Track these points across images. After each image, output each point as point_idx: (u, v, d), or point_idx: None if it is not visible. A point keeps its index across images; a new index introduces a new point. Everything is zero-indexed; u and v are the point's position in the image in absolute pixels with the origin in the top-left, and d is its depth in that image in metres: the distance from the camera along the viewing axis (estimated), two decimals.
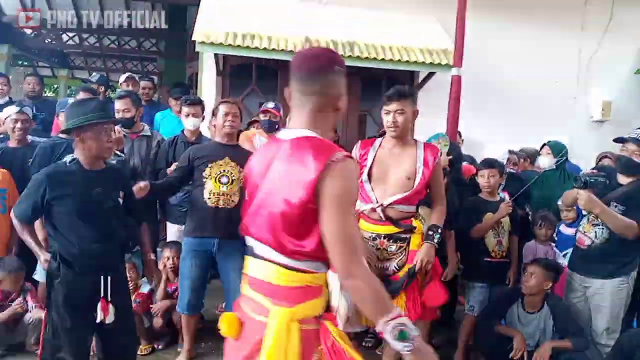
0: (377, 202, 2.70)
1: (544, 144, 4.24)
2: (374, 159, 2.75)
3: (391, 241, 2.73)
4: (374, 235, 2.74)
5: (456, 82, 4.83)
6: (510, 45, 5.83)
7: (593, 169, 3.74)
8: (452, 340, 3.66)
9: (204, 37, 4.77)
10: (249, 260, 1.60)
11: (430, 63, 5.11)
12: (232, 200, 3.20)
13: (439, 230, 2.72)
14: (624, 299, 3.10)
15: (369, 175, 2.74)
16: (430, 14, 5.83)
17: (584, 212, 3.25)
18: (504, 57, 5.83)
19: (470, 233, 3.46)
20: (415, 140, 2.82)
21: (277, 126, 4.08)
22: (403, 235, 2.73)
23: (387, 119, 2.69)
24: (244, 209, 1.63)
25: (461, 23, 4.92)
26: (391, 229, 2.71)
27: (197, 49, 4.91)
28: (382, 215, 2.70)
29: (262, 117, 4.06)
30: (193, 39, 4.80)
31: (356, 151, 2.82)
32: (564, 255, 3.72)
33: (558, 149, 4.11)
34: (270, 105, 4.07)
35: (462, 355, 3.49)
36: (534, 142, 5.21)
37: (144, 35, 9.66)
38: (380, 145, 2.80)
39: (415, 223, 2.79)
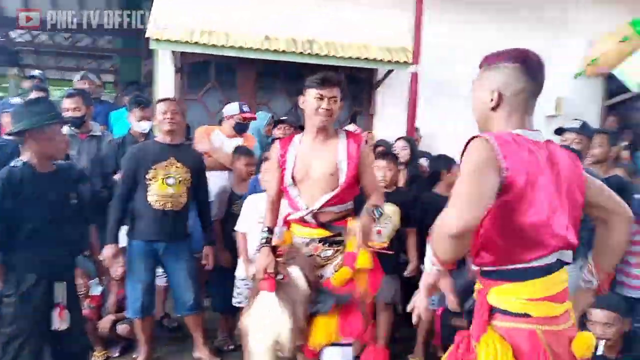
0: (307, 208, 2.40)
1: None
2: (295, 159, 2.43)
3: (326, 245, 2.43)
4: (307, 240, 2.46)
5: (414, 79, 4.89)
6: (466, 42, 5.88)
7: None
8: (413, 335, 3.68)
9: (158, 35, 4.65)
10: (546, 280, 1.46)
11: (389, 61, 5.14)
12: (180, 202, 3.11)
13: (379, 208, 2.35)
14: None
15: (293, 177, 2.43)
16: (389, 11, 5.87)
17: None
18: (459, 54, 5.87)
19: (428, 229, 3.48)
20: (336, 130, 2.50)
21: (245, 128, 4.04)
22: (338, 238, 2.44)
23: (319, 105, 2.32)
24: (546, 219, 1.43)
25: (418, 21, 4.99)
26: (326, 232, 2.44)
27: (151, 47, 4.79)
28: (314, 221, 2.43)
29: (236, 119, 3.97)
30: (147, 35, 4.68)
31: (274, 151, 2.54)
32: None
33: None
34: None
35: (422, 349, 3.52)
36: None
37: (99, 33, 9.36)
38: (300, 142, 2.47)
39: (350, 224, 2.42)
